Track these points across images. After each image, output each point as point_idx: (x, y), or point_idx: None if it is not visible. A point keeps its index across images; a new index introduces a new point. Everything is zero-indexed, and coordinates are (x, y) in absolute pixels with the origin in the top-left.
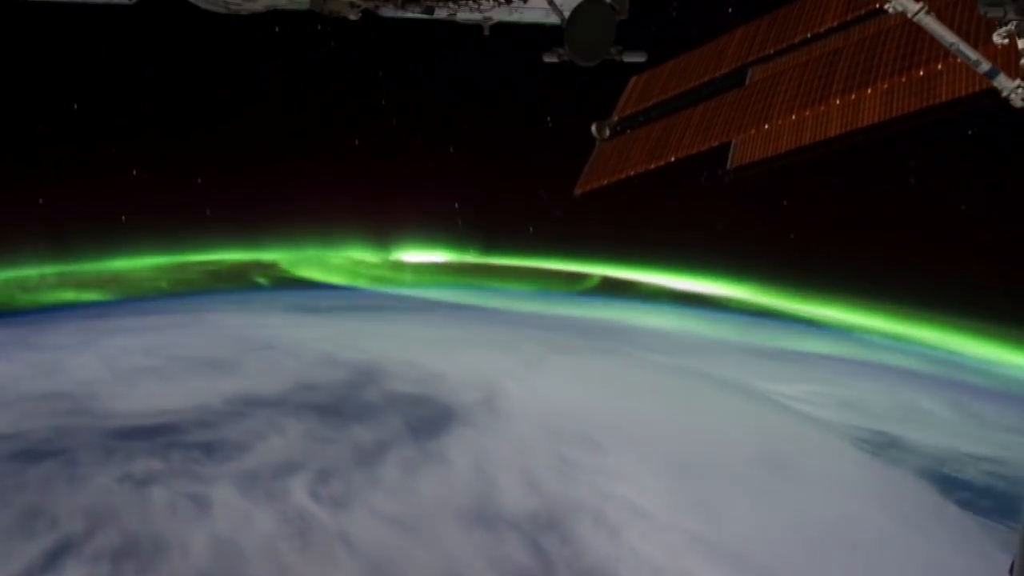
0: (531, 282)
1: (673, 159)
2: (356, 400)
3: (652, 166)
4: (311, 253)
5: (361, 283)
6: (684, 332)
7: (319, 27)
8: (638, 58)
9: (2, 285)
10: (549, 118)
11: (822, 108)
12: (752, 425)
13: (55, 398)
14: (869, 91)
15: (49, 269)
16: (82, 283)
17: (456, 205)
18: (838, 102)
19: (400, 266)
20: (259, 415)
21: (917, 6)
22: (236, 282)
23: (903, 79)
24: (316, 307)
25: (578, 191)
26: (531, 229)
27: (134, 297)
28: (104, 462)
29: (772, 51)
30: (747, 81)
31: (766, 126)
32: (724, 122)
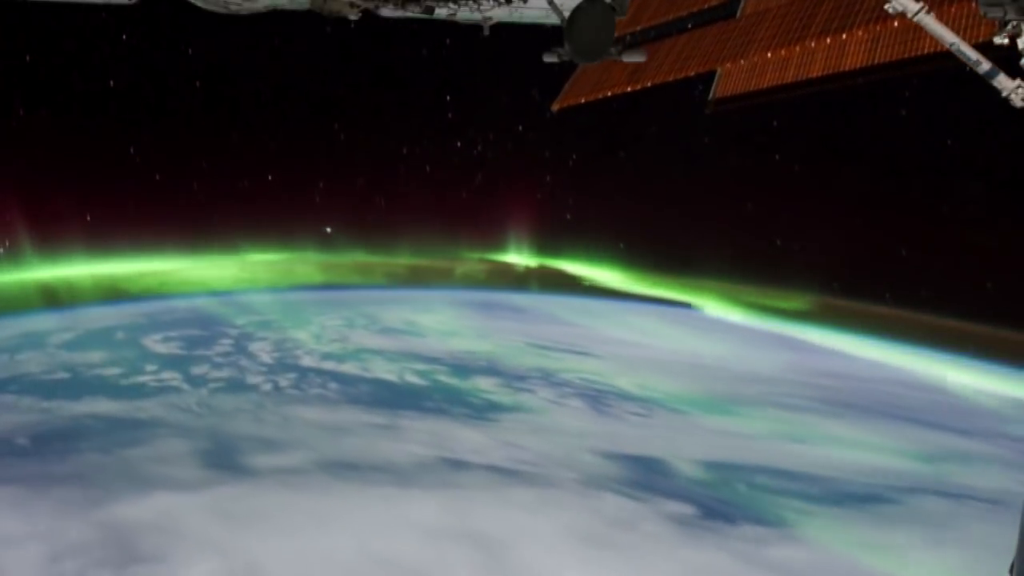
0: None
1: (651, 84)
2: None
3: (630, 88)
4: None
5: None
6: None
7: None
8: (638, 58)
9: None
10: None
11: (797, 49)
12: None
13: None
14: (844, 36)
15: None
16: None
17: None
18: (813, 44)
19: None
20: None
21: (917, 6)
22: None
23: (878, 27)
24: None
25: (556, 107)
26: None
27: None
28: None
29: None
30: (738, 14)
31: (742, 61)
32: (705, 53)
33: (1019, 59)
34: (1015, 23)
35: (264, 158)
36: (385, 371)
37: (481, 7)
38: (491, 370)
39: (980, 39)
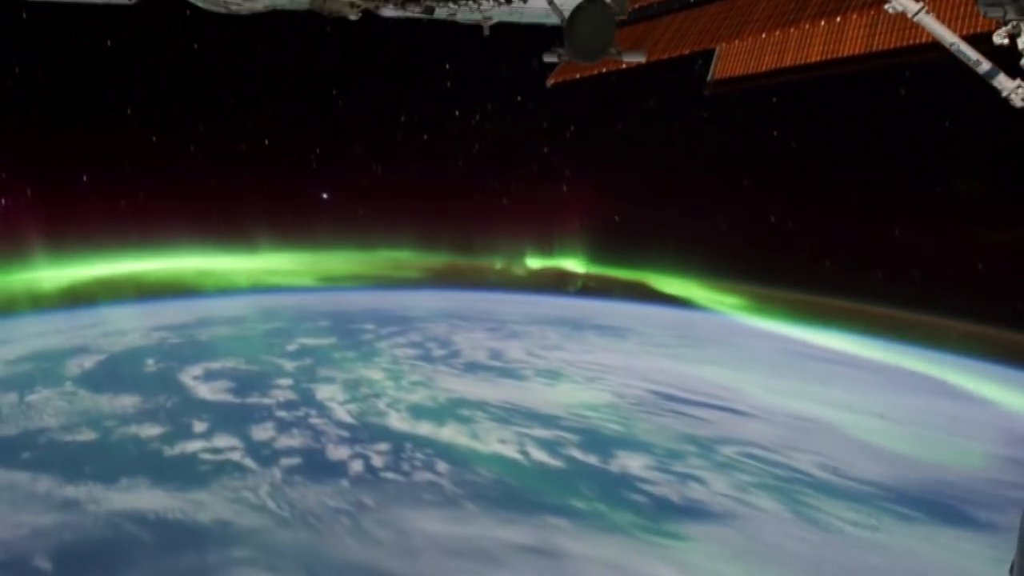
0: None
1: (646, 61)
2: None
3: (624, 66)
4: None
5: None
6: None
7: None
8: (638, 58)
9: None
10: None
11: (793, 31)
12: None
13: None
14: (840, 20)
15: None
16: None
17: None
18: (809, 27)
19: None
20: None
21: (917, 6)
22: None
23: (874, 12)
24: None
25: (550, 82)
26: None
27: None
28: None
29: None
30: None
31: (737, 41)
32: (700, 32)
33: (1019, 59)
34: (1015, 23)
35: (274, 150)
36: (499, 440)
37: (481, 7)
38: (632, 441)
39: (979, 30)
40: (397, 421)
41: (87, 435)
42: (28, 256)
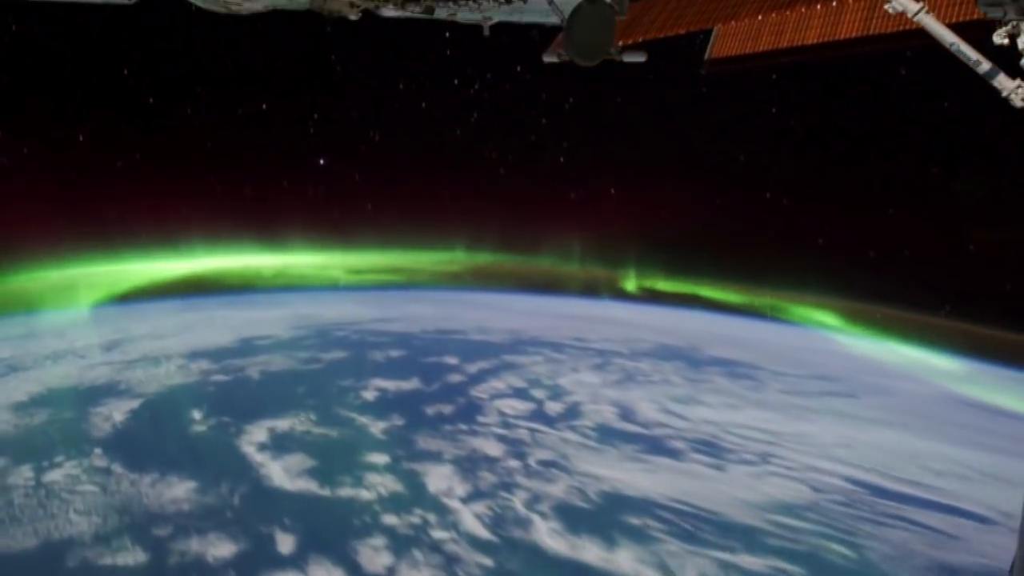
0: None
1: (641, 39)
2: None
3: (621, 43)
4: None
5: None
6: None
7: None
8: (638, 58)
9: None
10: None
11: (790, 13)
12: None
13: None
14: (835, 3)
15: None
16: None
17: None
18: (805, 10)
19: None
20: None
21: (917, 6)
22: None
23: None
24: None
25: (546, 59)
26: None
27: None
28: None
29: None
30: None
31: (734, 22)
32: (697, 11)
33: (1019, 59)
34: (1015, 23)
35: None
36: None
37: (481, 7)
38: None
39: (976, 16)
40: (550, 537)
41: (133, 555)
42: (31, 255)
